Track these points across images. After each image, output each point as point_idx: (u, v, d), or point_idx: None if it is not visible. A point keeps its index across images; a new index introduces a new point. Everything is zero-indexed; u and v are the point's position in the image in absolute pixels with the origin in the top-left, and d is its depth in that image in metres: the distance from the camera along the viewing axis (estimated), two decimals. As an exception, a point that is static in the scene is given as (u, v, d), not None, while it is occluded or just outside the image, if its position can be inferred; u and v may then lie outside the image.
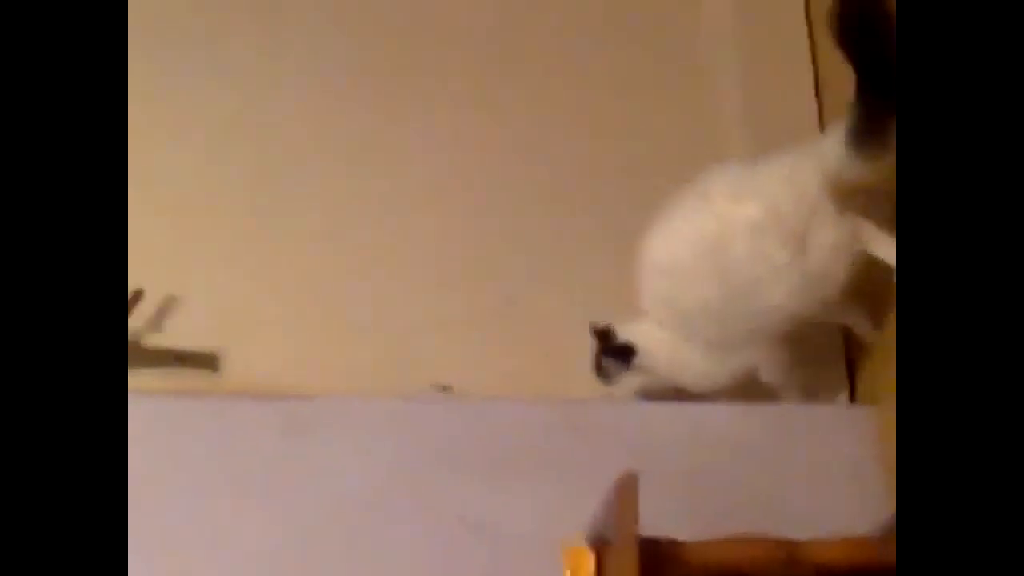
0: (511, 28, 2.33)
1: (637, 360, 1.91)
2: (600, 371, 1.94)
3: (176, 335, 2.01)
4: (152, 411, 1.86)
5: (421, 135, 2.21)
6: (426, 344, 2.02)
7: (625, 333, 1.92)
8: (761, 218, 1.77)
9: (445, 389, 1.97)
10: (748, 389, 1.94)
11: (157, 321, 2.01)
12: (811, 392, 1.97)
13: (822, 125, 2.16)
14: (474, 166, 2.19)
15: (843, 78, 1.73)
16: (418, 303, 2.06)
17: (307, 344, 2.01)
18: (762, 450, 1.88)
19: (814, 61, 2.24)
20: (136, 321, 1.98)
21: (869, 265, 1.78)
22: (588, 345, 1.93)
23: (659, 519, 1.48)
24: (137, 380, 1.91)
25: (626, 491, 1.47)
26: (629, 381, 1.94)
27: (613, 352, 1.92)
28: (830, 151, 1.74)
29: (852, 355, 2.00)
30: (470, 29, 2.33)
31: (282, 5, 2.34)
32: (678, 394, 1.95)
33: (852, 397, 1.98)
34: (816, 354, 1.95)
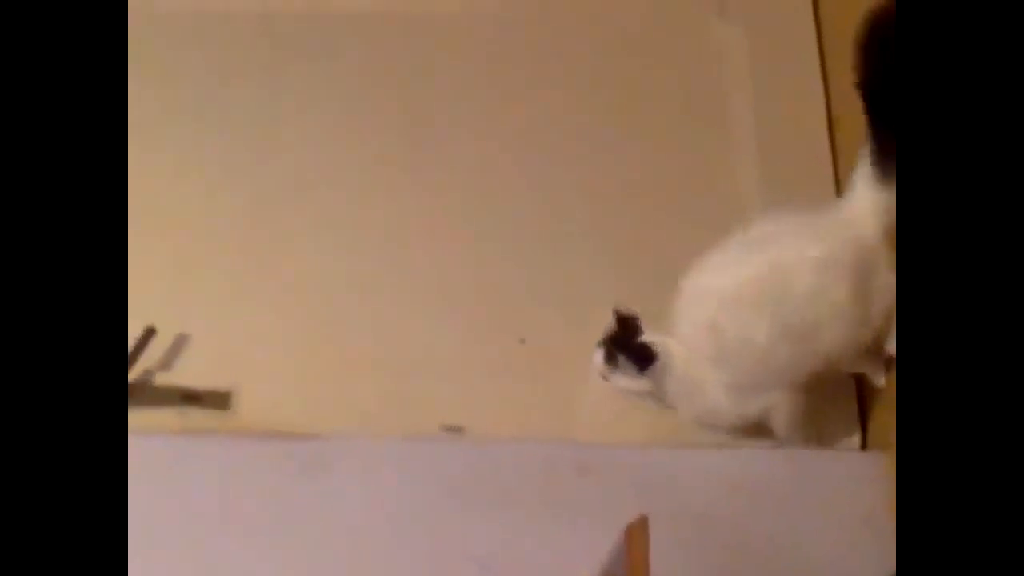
0: (527, 66, 2.35)
1: (653, 367, 1.84)
2: (608, 358, 1.86)
3: (187, 374, 2.01)
4: (163, 450, 1.87)
5: (432, 176, 2.22)
6: (437, 384, 2.01)
7: (651, 335, 1.85)
8: (824, 258, 1.77)
9: (455, 430, 1.97)
10: (748, 431, 1.93)
11: (168, 360, 2.01)
12: (822, 438, 1.96)
13: (835, 167, 2.18)
14: (487, 206, 2.19)
15: (857, 120, 1.74)
16: (429, 343, 2.05)
17: (318, 383, 2.01)
18: (774, 495, 1.87)
19: (828, 106, 2.26)
20: (147, 360, 1.98)
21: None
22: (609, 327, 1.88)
23: (669, 563, 1.47)
24: (147, 419, 1.92)
25: (637, 534, 1.47)
26: (629, 383, 1.87)
27: (632, 348, 1.85)
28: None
29: (864, 401, 1.99)
30: (485, 65, 2.34)
31: (288, 42, 2.35)
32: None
33: (864, 443, 1.97)
34: (829, 400, 1.94)
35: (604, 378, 1.88)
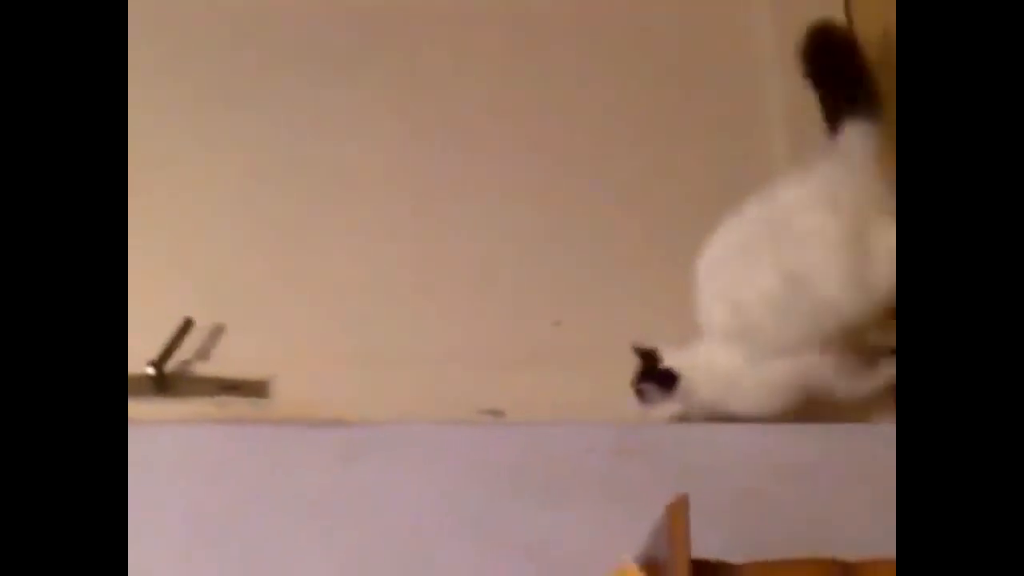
0: (559, 52, 2.35)
1: (680, 387, 1.90)
2: (639, 394, 1.93)
3: (224, 364, 2.01)
4: (202, 440, 1.88)
5: (466, 162, 2.22)
6: (473, 368, 2.01)
7: (671, 359, 1.91)
8: (817, 196, 1.79)
9: (495, 413, 1.97)
10: (796, 412, 1.93)
11: (205, 350, 2.02)
12: (860, 412, 1.95)
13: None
14: (521, 190, 2.19)
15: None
16: (466, 327, 2.06)
17: (355, 370, 2.01)
18: (814, 471, 1.86)
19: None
20: (185, 351, 1.99)
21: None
22: (635, 366, 1.93)
23: (710, 541, 1.47)
24: (186, 409, 1.93)
25: (678, 513, 1.46)
26: (667, 407, 1.93)
27: (655, 376, 1.91)
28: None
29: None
30: (517, 57, 2.34)
31: (334, 36, 2.35)
32: (717, 419, 1.94)
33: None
34: (864, 372, 1.93)
35: (648, 412, 1.94)
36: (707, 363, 1.91)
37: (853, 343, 1.87)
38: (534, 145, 2.24)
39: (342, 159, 2.22)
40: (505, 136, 2.25)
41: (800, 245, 1.80)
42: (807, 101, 2.21)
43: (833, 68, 1.94)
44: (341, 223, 2.16)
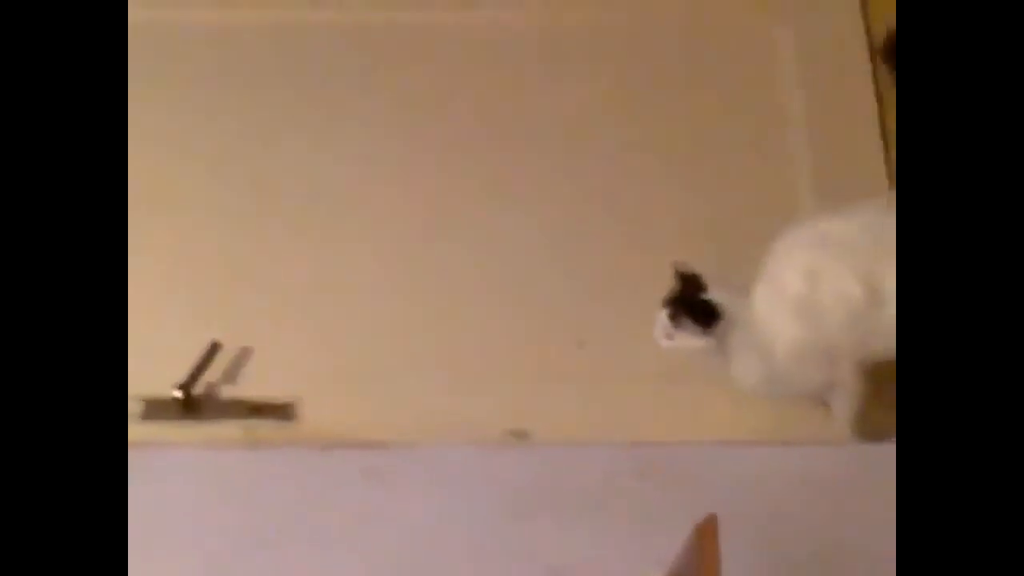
0: (581, 70, 2.35)
1: (717, 325, 1.83)
2: (671, 319, 1.85)
3: (251, 387, 2.02)
4: (230, 462, 1.89)
5: (490, 183, 2.23)
6: (498, 390, 2.01)
7: (716, 293, 1.84)
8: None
9: (520, 435, 1.97)
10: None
11: (232, 373, 2.02)
12: (874, 434, 1.95)
13: (890, 178, 2.17)
14: (545, 211, 2.19)
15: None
16: (491, 349, 2.06)
17: (381, 392, 2.02)
18: (841, 491, 1.86)
19: (881, 116, 2.25)
20: (212, 373, 2.00)
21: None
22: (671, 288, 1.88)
23: (738, 564, 1.47)
24: (213, 432, 1.94)
25: (706, 534, 1.47)
26: (693, 342, 1.85)
27: (696, 306, 1.84)
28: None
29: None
30: (540, 69, 2.35)
31: (343, 51, 2.36)
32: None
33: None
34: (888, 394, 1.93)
35: (669, 337, 1.86)
36: (752, 315, 1.85)
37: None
38: (559, 167, 2.24)
39: (367, 185, 2.22)
40: (530, 158, 2.25)
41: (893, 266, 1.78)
42: (831, 125, 2.23)
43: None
44: (365, 247, 2.16)
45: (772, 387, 1.90)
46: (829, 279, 1.81)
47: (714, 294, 1.84)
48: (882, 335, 1.80)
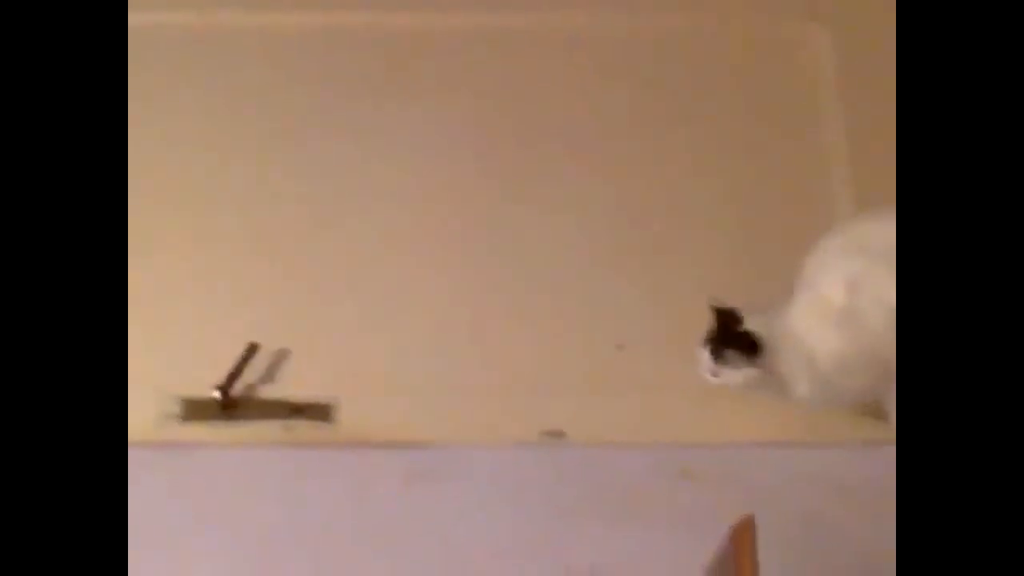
0: (614, 74, 2.34)
1: (761, 354, 1.84)
2: (716, 355, 1.85)
3: (289, 387, 2.03)
4: (268, 463, 1.89)
5: (527, 184, 2.23)
6: (536, 391, 2.01)
7: (753, 323, 1.85)
8: None
9: (557, 435, 1.97)
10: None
11: (271, 374, 2.03)
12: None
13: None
14: (583, 215, 2.19)
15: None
16: (529, 350, 2.06)
17: (418, 393, 2.02)
18: (880, 492, 1.85)
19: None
20: (250, 374, 2.01)
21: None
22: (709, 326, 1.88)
23: (775, 565, 1.47)
24: (253, 432, 1.95)
25: (743, 535, 1.46)
26: (744, 373, 1.86)
27: (737, 339, 1.85)
28: None
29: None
30: (573, 75, 2.34)
31: (364, 55, 2.36)
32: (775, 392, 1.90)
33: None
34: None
35: (714, 376, 1.87)
36: (794, 332, 1.86)
37: None
38: (596, 169, 2.24)
39: (405, 186, 2.23)
40: (567, 162, 2.25)
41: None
42: (867, 140, 2.22)
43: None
44: (407, 249, 2.17)
45: (825, 398, 1.90)
46: (869, 286, 1.81)
47: (751, 324, 1.85)
48: None
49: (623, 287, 2.11)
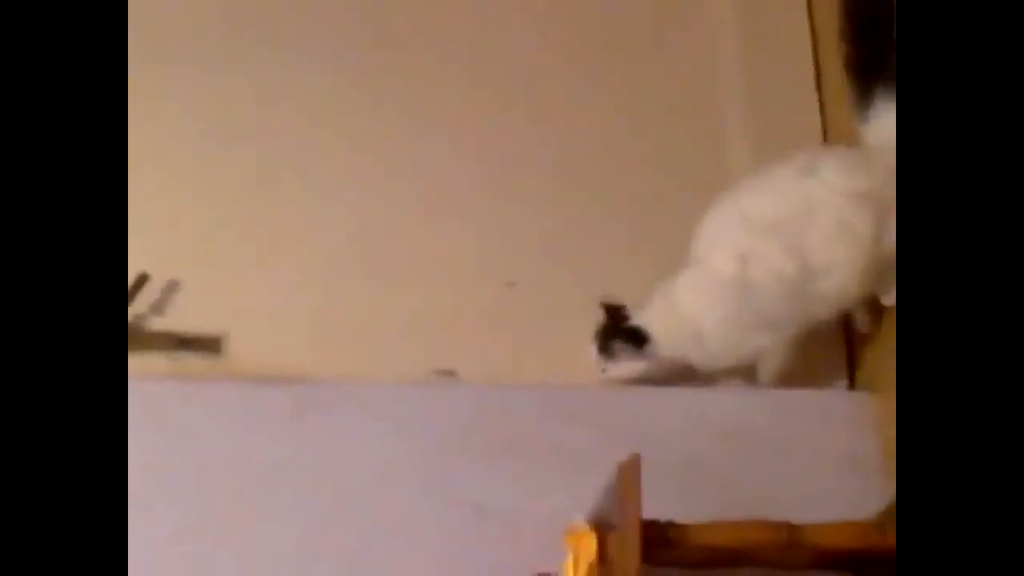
0: (532, 25, 2.33)
1: (649, 346, 1.90)
2: (604, 350, 1.92)
3: (179, 319, 2.01)
4: (156, 395, 1.88)
5: (424, 121, 2.22)
6: (428, 329, 2.02)
7: (638, 317, 1.90)
8: (853, 186, 1.79)
9: (448, 374, 1.98)
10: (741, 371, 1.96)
11: (160, 305, 2.01)
12: (807, 381, 1.97)
13: (825, 134, 2.17)
14: (475, 151, 2.20)
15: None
16: (420, 288, 2.06)
17: (309, 329, 2.02)
18: (762, 435, 1.89)
19: (817, 69, 2.24)
20: (139, 305, 1.99)
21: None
22: (591, 325, 1.93)
23: (659, 504, 1.49)
24: (140, 364, 1.93)
25: (629, 474, 1.49)
26: (631, 366, 1.92)
27: (625, 333, 1.90)
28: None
29: (851, 343, 2.00)
30: (484, 36, 2.32)
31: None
32: (673, 378, 1.95)
33: (851, 384, 1.99)
34: (816, 342, 1.95)
35: (604, 371, 1.93)
36: (673, 309, 1.89)
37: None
38: (492, 101, 2.24)
39: (303, 121, 2.21)
40: (464, 89, 2.25)
41: (829, 239, 1.79)
42: (766, 83, 2.23)
43: (874, 27, 1.83)
44: (299, 183, 2.16)
45: (713, 365, 1.93)
46: (760, 261, 1.83)
47: (637, 318, 1.91)
48: (821, 303, 1.83)
49: (515, 224, 2.12)
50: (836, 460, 1.86)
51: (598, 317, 1.93)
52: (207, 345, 1.99)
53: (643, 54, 2.30)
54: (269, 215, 2.12)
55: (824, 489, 1.83)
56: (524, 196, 2.15)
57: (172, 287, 2.02)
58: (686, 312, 1.89)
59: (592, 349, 1.93)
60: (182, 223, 2.09)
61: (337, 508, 1.82)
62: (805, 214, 1.81)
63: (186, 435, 1.87)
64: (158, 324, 2.00)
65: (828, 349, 2.00)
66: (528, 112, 2.23)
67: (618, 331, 1.91)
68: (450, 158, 2.19)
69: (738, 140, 2.18)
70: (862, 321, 1.93)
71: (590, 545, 1.49)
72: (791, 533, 1.53)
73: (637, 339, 1.90)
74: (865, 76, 1.84)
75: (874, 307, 1.91)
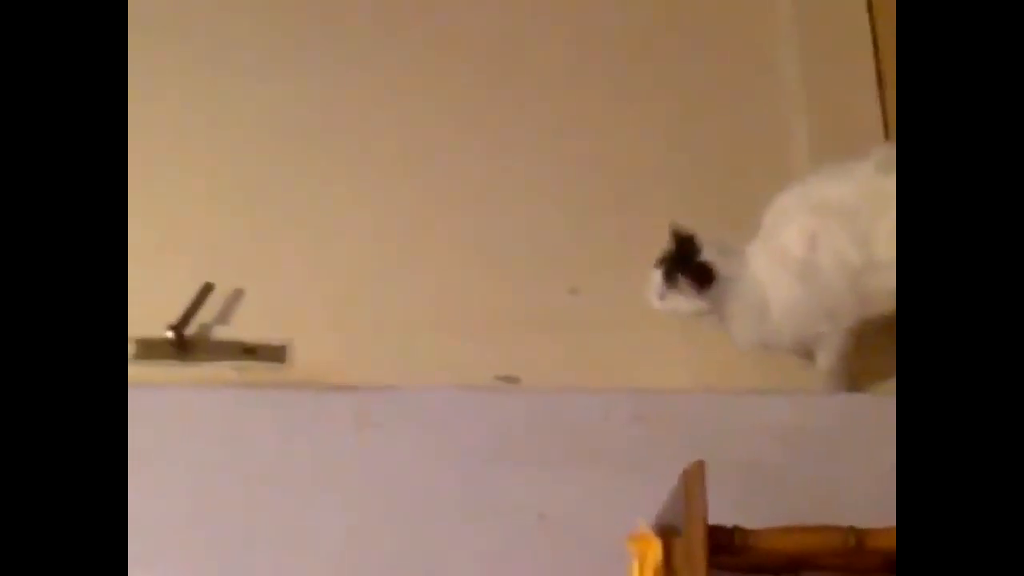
0: (578, 23, 2.34)
1: (713, 287, 1.84)
2: (668, 278, 1.84)
3: (243, 328, 2.03)
4: (221, 403, 1.90)
5: (485, 129, 2.22)
6: (490, 335, 2.02)
7: (711, 255, 1.85)
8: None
9: (511, 380, 1.98)
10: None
11: (224, 314, 2.03)
12: (858, 381, 1.97)
13: (886, 129, 2.17)
14: (539, 157, 2.20)
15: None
16: (482, 294, 2.06)
17: (372, 336, 2.03)
18: (824, 439, 1.88)
19: (877, 65, 2.24)
20: (204, 315, 2.00)
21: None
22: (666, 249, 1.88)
23: (723, 509, 1.48)
24: (205, 372, 1.95)
25: (694, 479, 1.48)
26: (687, 304, 1.85)
27: (692, 268, 1.84)
28: None
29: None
30: (550, 37, 2.33)
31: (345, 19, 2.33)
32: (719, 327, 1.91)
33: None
34: (878, 342, 1.94)
35: (661, 298, 1.87)
36: (752, 275, 1.87)
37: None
38: (552, 111, 2.24)
39: (363, 129, 2.22)
40: (522, 102, 2.25)
41: (895, 236, 1.78)
42: (826, 75, 2.22)
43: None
44: (361, 190, 2.16)
45: (765, 343, 1.92)
46: (828, 244, 1.84)
47: (708, 255, 1.85)
48: (879, 297, 1.83)
49: (577, 231, 2.12)
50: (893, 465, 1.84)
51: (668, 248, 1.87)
52: (271, 353, 2.01)
53: (706, 55, 2.30)
54: (331, 223, 2.13)
55: (887, 493, 1.81)
56: (586, 201, 2.15)
57: (236, 296, 2.04)
58: (755, 275, 1.87)
59: (656, 274, 1.86)
60: (245, 232, 2.11)
61: (400, 515, 1.82)
62: (877, 208, 1.80)
63: (251, 443, 1.88)
64: (222, 333, 2.02)
65: (888, 353, 1.98)
66: (590, 118, 2.23)
67: (686, 263, 1.84)
68: (513, 164, 2.19)
69: (800, 144, 2.18)
70: None
71: (655, 551, 1.49)
72: (859, 537, 1.52)
73: (704, 277, 1.83)
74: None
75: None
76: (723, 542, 1.49)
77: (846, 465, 1.86)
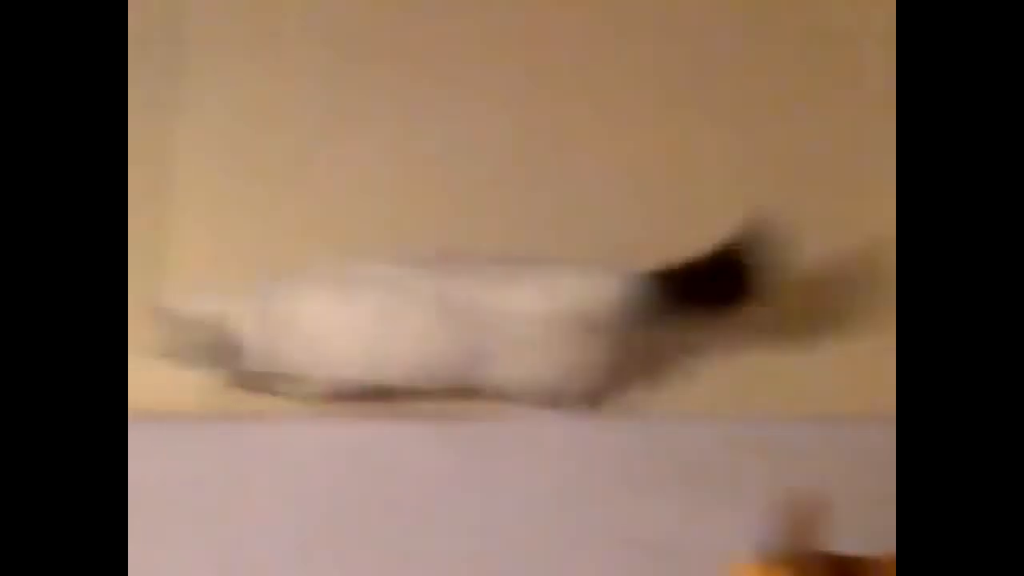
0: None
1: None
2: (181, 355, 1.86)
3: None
4: (313, 431, 1.90)
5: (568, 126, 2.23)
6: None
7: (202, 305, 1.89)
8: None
9: (628, 407, 1.96)
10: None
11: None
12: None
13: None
14: (664, 147, 2.21)
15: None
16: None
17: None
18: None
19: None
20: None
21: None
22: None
23: (848, 541, 1.48)
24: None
25: (807, 508, 1.46)
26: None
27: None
28: None
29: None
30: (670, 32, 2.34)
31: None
32: None
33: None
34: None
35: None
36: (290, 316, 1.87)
37: None
38: (667, 101, 2.26)
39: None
40: (607, 105, 2.25)
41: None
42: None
43: None
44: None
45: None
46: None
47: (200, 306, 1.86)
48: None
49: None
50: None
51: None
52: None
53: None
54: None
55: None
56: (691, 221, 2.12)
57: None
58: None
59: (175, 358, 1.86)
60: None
61: (501, 545, 1.81)
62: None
63: (346, 473, 1.88)
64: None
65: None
66: (698, 112, 2.24)
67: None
68: (599, 158, 2.19)
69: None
70: None
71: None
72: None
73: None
74: None
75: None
76: (840, 570, 1.48)
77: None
